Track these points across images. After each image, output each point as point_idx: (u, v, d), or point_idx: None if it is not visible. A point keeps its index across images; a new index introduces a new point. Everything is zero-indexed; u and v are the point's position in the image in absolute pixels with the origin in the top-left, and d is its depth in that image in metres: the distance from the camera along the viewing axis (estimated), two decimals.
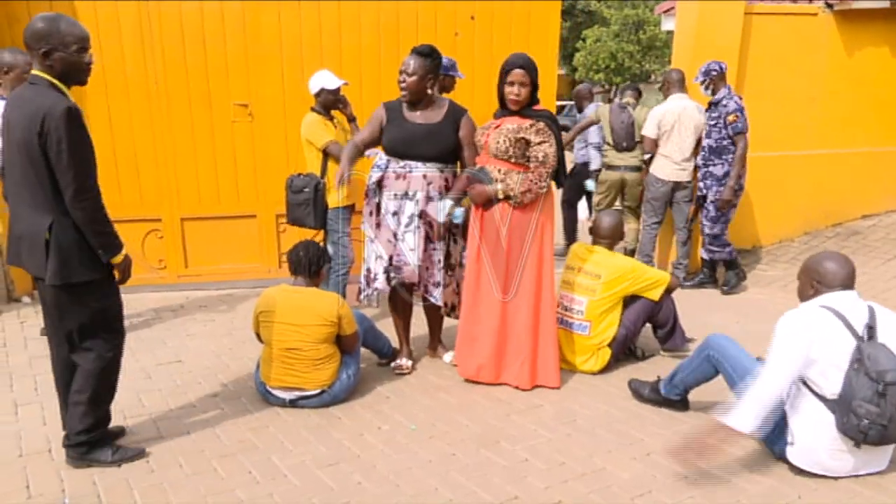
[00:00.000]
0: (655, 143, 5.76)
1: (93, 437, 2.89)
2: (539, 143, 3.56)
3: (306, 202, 4.40)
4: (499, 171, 3.61)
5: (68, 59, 2.59)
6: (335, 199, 4.40)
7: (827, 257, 2.95)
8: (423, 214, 3.75)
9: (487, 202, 3.65)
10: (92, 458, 2.90)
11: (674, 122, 5.64)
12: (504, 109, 3.66)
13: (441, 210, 3.73)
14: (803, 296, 2.99)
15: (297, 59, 5.37)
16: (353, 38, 5.47)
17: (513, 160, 3.58)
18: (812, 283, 2.93)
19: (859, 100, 6.70)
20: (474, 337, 3.78)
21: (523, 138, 3.55)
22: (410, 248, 3.79)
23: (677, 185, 5.76)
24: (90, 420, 2.86)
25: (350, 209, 4.56)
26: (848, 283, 2.87)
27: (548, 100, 5.90)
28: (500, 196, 3.60)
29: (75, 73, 2.65)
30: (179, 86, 5.28)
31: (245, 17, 5.28)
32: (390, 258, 3.81)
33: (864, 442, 2.71)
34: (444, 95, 4.87)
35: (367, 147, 3.90)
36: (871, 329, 2.75)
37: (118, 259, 2.77)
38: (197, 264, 5.60)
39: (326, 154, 4.39)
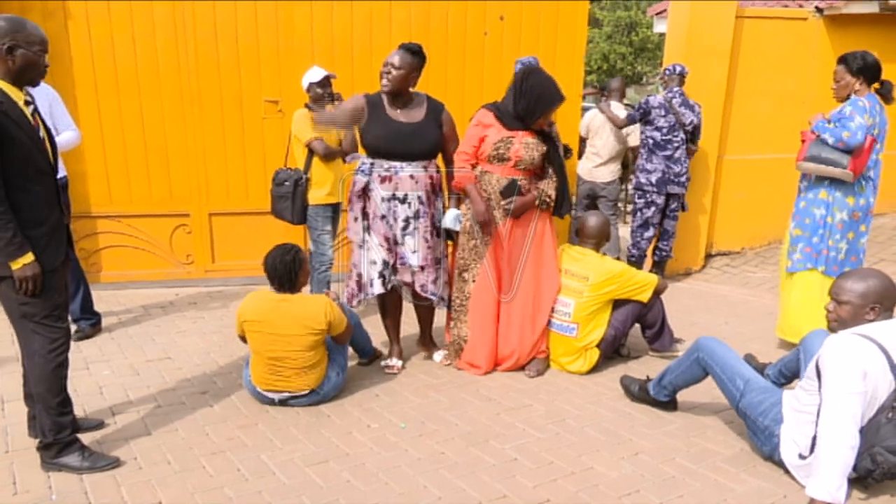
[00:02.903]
0: (583, 143, 6.23)
1: (60, 438, 2.83)
2: (556, 153, 3.82)
3: (286, 196, 4.40)
4: (524, 180, 3.78)
5: (31, 58, 2.61)
6: (316, 196, 4.41)
7: (873, 275, 2.72)
8: (417, 214, 3.77)
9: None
10: (61, 462, 2.84)
11: (598, 126, 6.05)
12: (517, 122, 3.74)
13: (452, 220, 3.84)
14: (857, 320, 2.71)
15: (329, 56, 5.40)
16: (384, 37, 5.51)
17: (535, 168, 3.80)
18: (873, 306, 2.68)
19: None
20: (490, 335, 3.94)
21: (543, 151, 3.78)
22: (412, 251, 3.80)
23: (596, 185, 6.11)
24: (47, 422, 2.80)
25: (332, 207, 4.54)
26: (891, 304, 2.69)
27: (574, 99, 6.01)
28: (537, 203, 3.81)
29: (32, 71, 2.65)
30: (211, 82, 5.33)
31: (278, 14, 5.32)
32: (385, 262, 3.80)
33: (868, 479, 2.68)
34: None
35: (348, 116, 3.76)
36: None
37: (16, 265, 2.59)
38: (224, 259, 5.63)
39: (312, 151, 4.38)
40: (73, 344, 3.13)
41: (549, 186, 3.80)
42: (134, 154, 5.32)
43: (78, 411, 3.17)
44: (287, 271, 3.36)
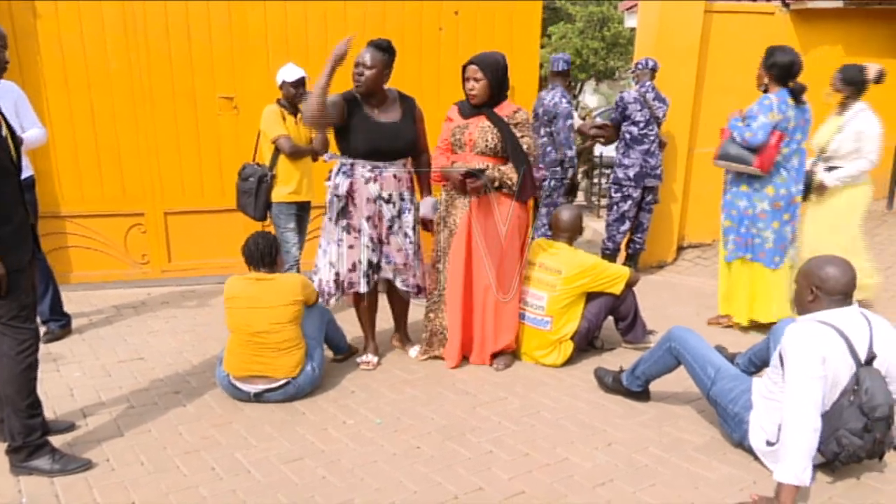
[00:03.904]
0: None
1: (29, 441, 2.78)
2: (521, 137, 3.75)
3: (250, 192, 4.38)
4: (487, 166, 3.75)
5: None
6: (281, 193, 4.40)
7: (828, 262, 2.77)
8: (400, 212, 3.82)
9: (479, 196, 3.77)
10: (31, 465, 2.79)
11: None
12: (472, 108, 3.77)
13: (431, 208, 3.87)
14: (801, 302, 2.84)
15: (283, 52, 5.33)
16: (339, 34, 5.40)
17: (499, 154, 3.75)
18: (811, 287, 2.76)
19: (815, 98, 6.83)
20: (458, 327, 3.94)
21: (500, 134, 3.71)
22: (398, 249, 3.83)
23: None
24: (17, 425, 2.76)
25: (297, 206, 4.50)
26: (849, 290, 2.73)
27: (529, 94, 6.02)
28: (497, 184, 3.73)
29: None
30: (163, 79, 5.24)
31: (231, 14, 5.25)
32: (369, 262, 3.81)
33: (835, 462, 2.75)
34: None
35: (326, 109, 3.56)
36: (870, 349, 2.68)
37: None
38: (181, 259, 5.55)
39: (278, 148, 4.36)
40: (42, 346, 3.09)
41: (510, 169, 3.74)
42: (85, 152, 5.21)
43: (48, 413, 3.14)
44: (265, 249, 3.50)
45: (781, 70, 4.20)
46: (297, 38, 5.42)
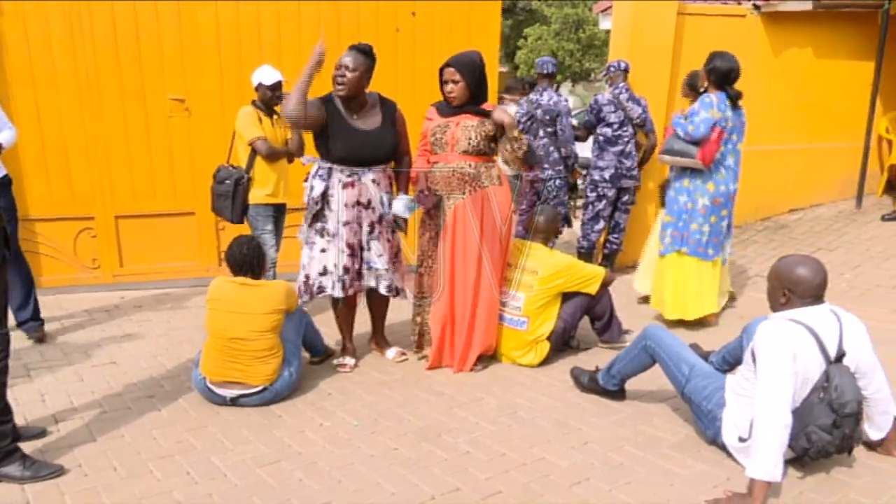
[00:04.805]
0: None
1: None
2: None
3: (226, 194, 4.34)
4: (469, 165, 3.74)
5: None
6: (257, 195, 4.37)
7: (800, 263, 2.79)
8: (381, 218, 3.81)
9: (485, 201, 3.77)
10: (1, 472, 2.75)
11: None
12: (451, 107, 3.78)
13: (404, 207, 3.82)
14: (774, 302, 2.87)
15: (236, 53, 5.27)
16: (293, 34, 5.42)
17: (482, 153, 3.75)
18: (784, 290, 2.79)
19: (786, 99, 6.98)
20: (438, 329, 3.93)
21: (489, 132, 3.74)
22: (378, 255, 3.81)
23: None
24: None
25: (274, 207, 4.49)
26: (820, 292, 2.76)
27: (491, 95, 5.99)
28: (515, 133, 3.70)
29: None
30: (112, 80, 5.12)
31: (181, 14, 5.16)
32: (345, 268, 3.78)
33: (805, 458, 2.80)
34: None
35: (307, 110, 3.56)
36: (840, 347, 2.73)
37: None
38: (133, 263, 5.44)
39: (255, 150, 4.33)
40: (13, 350, 3.03)
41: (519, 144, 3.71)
42: (30, 154, 5.03)
43: (19, 419, 3.08)
44: (251, 256, 3.49)
45: (719, 75, 4.39)
46: (250, 39, 5.34)
